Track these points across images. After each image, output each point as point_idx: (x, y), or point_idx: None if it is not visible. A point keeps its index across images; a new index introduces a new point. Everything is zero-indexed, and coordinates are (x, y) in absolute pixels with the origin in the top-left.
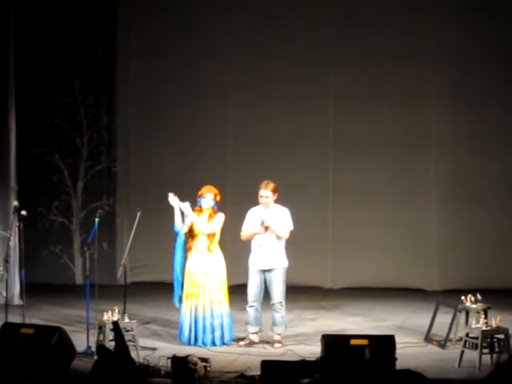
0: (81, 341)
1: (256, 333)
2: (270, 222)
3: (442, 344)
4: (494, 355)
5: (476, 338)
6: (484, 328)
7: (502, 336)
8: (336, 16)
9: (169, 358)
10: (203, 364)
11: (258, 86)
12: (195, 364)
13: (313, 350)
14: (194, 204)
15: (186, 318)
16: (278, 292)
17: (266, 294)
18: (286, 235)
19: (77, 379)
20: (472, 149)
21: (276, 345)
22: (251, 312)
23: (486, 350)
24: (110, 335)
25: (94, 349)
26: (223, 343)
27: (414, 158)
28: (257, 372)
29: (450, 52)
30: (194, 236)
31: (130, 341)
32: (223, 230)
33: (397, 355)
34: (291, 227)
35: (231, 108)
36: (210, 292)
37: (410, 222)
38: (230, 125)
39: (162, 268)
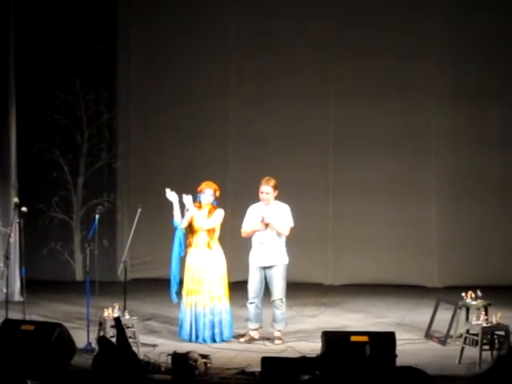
0: (81, 337)
1: (256, 329)
2: (270, 218)
3: (443, 341)
4: (495, 352)
5: (476, 335)
6: (484, 325)
7: (502, 333)
8: (337, 13)
9: (169, 354)
10: (203, 360)
11: (258, 83)
12: (195, 360)
13: (313, 347)
14: (194, 200)
15: (186, 315)
16: (278, 289)
17: (267, 290)
18: (287, 232)
19: (77, 375)
20: (472, 146)
21: (276, 341)
22: (251, 309)
23: (486, 347)
24: (111, 332)
25: (94, 345)
26: (223, 340)
27: (415, 155)
28: (257, 368)
29: (450, 49)
30: (194, 232)
31: (130, 337)
32: (223, 227)
33: (397, 352)
34: (291, 224)
35: (232, 105)
36: (209, 288)
37: (410, 219)
38: (230, 122)
39: (162, 264)
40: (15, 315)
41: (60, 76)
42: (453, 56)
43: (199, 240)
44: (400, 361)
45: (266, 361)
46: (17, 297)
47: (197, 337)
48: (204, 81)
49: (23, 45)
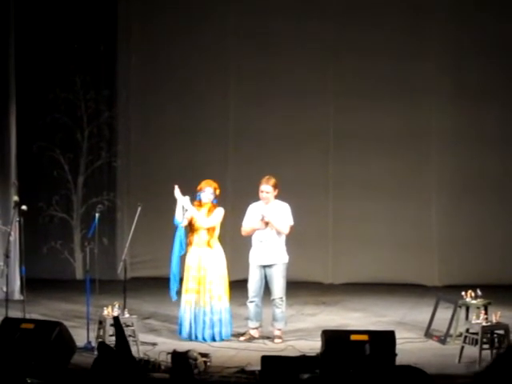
0: (81, 336)
1: (256, 328)
2: (270, 217)
3: (442, 339)
4: (494, 351)
5: (476, 334)
6: (484, 324)
7: (502, 332)
8: (337, 13)
9: (169, 353)
10: (203, 359)
11: (258, 83)
12: (195, 359)
13: (313, 346)
14: (194, 198)
15: (185, 314)
16: (278, 287)
17: (267, 289)
18: (287, 231)
19: (77, 374)
20: (472, 146)
21: (276, 340)
22: (251, 307)
23: (486, 346)
24: (110, 330)
25: (94, 344)
26: (223, 339)
27: (415, 153)
28: (257, 367)
29: (450, 49)
30: (194, 230)
31: (130, 336)
32: (223, 225)
33: (397, 351)
34: (291, 222)
35: (232, 105)
36: (209, 287)
37: (410, 218)
38: (230, 120)
39: (162, 263)
40: (15, 314)
41: (60, 75)
42: (453, 56)
43: (199, 239)
44: (400, 360)
45: (266, 359)
46: (17, 295)
47: (196, 335)
48: (204, 81)
49: (23, 44)
